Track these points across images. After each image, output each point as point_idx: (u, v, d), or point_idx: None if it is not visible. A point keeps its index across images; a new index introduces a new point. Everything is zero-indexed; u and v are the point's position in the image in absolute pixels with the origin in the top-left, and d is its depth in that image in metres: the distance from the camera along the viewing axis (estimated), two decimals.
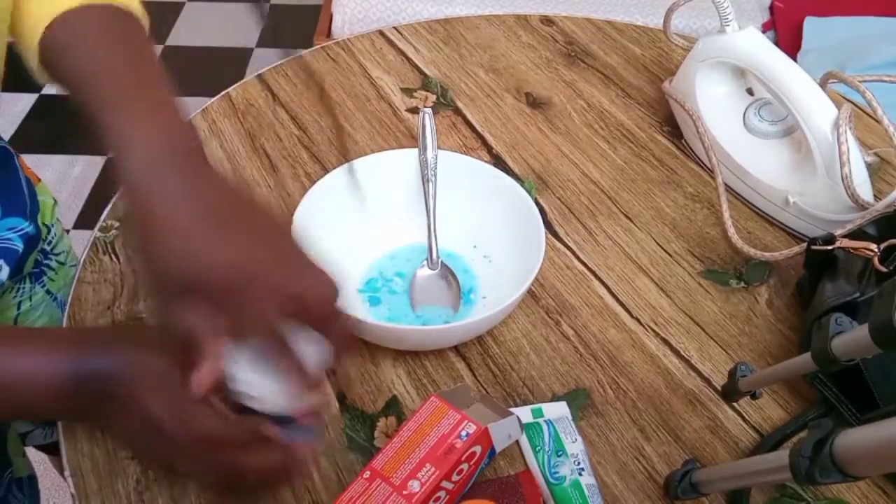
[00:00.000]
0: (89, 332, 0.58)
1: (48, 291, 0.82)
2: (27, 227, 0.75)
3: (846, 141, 0.72)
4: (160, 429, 0.47)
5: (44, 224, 0.82)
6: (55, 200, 0.86)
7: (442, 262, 0.73)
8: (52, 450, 1.02)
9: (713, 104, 0.85)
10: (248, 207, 0.50)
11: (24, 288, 0.79)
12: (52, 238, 0.83)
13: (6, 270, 0.72)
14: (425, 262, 0.73)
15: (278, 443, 0.49)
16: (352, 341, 0.55)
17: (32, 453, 0.88)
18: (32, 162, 0.83)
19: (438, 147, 0.75)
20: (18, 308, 0.79)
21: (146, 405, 0.47)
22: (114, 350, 0.49)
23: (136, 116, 0.50)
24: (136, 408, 0.47)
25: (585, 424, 0.64)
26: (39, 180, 0.85)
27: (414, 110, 0.92)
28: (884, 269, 0.62)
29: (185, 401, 0.46)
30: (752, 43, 0.80)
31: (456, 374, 0.67)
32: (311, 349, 0.49)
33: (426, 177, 0.74)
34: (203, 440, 0.47)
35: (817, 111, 0.74)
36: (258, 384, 0.48)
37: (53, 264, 0.83)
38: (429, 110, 0.76)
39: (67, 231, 0.89)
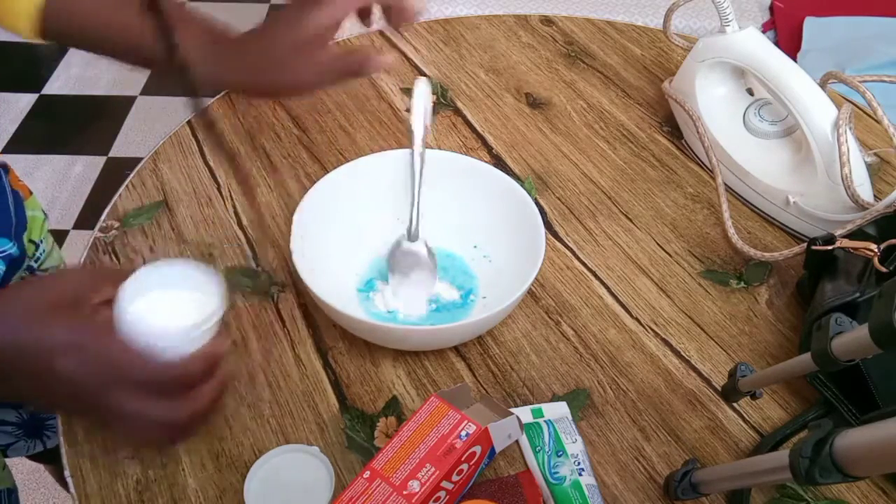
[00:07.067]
0: None
1: None
2: (10, 249, 0.74)
3: (846, 141, 0.72)
4: (111, 363, 0.45)
5: (31, 241, 0.80)
6: (46, 215, 0.84)
7: (426, 243, 0.72)
8: (48, 459, 1.00)
9: (713, 104, 0.85)
10: None
11: None
12: (41, 254, 0.81)
13: None
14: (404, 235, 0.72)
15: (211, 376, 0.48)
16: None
17: (27, 463, 0.86)
18: (32, 162, 0.82)
19: (438, 147, 0.74)
20: None
21: (94, 349, 0.45)
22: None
23: None
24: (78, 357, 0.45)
25: (585, 424, 0.64)
26: (31, 193, 0.83)
27: None
28: (884, 269, 0.62)
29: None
30: (752, 43, 0.80)
31: (456, 374, 0.67)
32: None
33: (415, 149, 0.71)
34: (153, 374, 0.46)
35: (817, 111, 0.74)
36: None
37: None
38: (424, 80, 0.73)
39: (66, 233, 0.87)
